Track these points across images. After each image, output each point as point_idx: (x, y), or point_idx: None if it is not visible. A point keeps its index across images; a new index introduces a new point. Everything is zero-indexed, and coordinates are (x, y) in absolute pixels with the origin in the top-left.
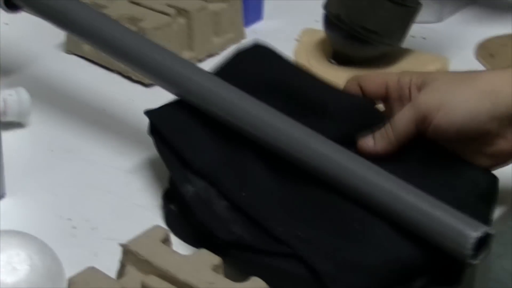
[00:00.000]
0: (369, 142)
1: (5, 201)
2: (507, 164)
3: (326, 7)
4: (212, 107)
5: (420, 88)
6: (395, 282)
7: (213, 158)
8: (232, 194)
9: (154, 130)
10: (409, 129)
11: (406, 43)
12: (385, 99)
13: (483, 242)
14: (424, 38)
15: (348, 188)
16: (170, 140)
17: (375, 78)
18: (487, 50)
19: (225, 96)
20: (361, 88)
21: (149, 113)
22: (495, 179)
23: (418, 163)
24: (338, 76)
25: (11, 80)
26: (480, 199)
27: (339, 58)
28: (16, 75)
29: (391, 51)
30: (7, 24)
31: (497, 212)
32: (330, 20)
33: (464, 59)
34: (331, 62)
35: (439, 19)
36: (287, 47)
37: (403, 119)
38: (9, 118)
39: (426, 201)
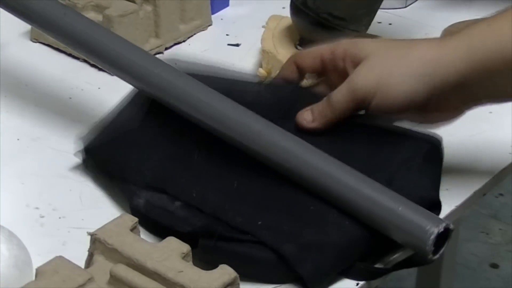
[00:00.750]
0: (307, 117)
1: None
2: (451, 123)
3: None
4: (166, 96)
5: (355, 62)
6: (356, 259)
7: (155, 168)
8: (183, 194)
9: (86, 163)
10: (347, 107)
11: (373, 29)
12: (323, 72)
13: (443, 237)
14: (390, 24)
15: (305, 180)
16: (106, 167)
17: (309, 53)
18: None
19: (181, 86)
20: (298, 66)
21: (78, 152)
22: (437, 140)
23: (360, 138)
24: None
25: None
26: (425, 160)
27: (306, 45)
28: None
29: (358, 37)
30: None
31: (464, 197)
32: (297, 7)
33: None
34: (297, 49)
35: (404, 4)
36: (254, 33)
37: (340, 98)
38: None
39: (387, 195)
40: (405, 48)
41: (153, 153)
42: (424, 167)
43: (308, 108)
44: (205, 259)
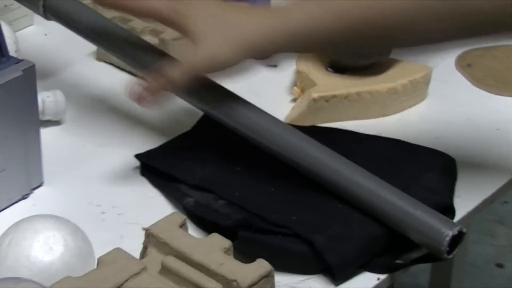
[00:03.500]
0: (136, 88)
1: (43, 189)
2: None
3: None
4: (217, 114)
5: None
6: (376, 254)
7: (204, 173)
8: (227, 194)
9: (144, 169)
10: (183, 84)
11: (395, 54)
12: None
13: (457, 239)
14: (410, 50)
15: (334, 186)
16: (161, 170)
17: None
18: (465, 61)
19: (230, 105)
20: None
21: (138, 156)
22: (451, 157)
23: (382, 151)
24: (333, 82)
25: (49, 83)
26: (440, 172)
27: (335, 67)
28: (53, 79)
29: (382, 61)
30: (46, 35)
31: (474, 204)
32: None
33: (445, 68)
34: (328, 70)
35: None
36: (289, 56)
37: (178, 77)
38: (47, 117)
39: (407, 201)
40: (231, 17)
41: (203, 161)
42: (439, 177)
43: (138, 82)
44: (243, 250)
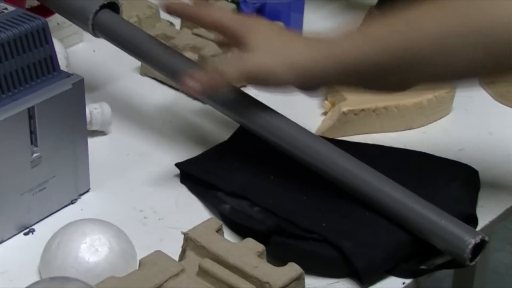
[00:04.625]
0: (191, 84)
1: (89, 194)
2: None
3: None
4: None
5: (243, 43)
6: (402, 259)
7: (240, 181)
8: (261, 201)
9: (184, 177)
10: (237, 81)
11: None
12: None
13: (479, 247)
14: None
15: (363, 195)
16: (200, 177)
17: (214, 15)
18: (489, 78)
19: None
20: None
21: (179, 165)
22: (475, 169)
23: (408, 162)
24: (362, 97)
25: (97, 96)
26: (464, 183)
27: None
28: (100, 92)
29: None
30: (94, 51)
31: (496, 214)
32: None
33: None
34: None
35: None
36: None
37: (234, 73)
38: (94, 127)
39: (433, 210)
40: (289, 44)
41: (239, 169)
42: (463, 188)
43: (192, 76)
44: (276, 254)
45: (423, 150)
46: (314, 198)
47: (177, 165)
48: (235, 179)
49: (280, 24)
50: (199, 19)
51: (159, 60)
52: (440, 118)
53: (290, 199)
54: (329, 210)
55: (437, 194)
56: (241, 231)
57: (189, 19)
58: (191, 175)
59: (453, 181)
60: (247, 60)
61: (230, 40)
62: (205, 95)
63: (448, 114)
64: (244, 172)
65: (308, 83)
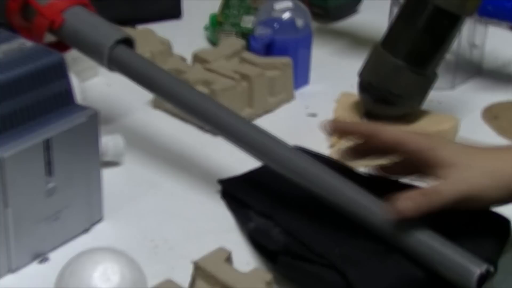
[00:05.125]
0: (406, 205)
1: (102, 223)
2: None
3: (361, 75)
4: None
5: (431, 163)
6: None
7: (270, 202)
8: (283, 223)
9: (224, 194)
10: (451, 202)
11: (425, 105)
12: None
13: (484, 277)
14: (439, 102)
15: (375, 228)
16: (236, 195)
17: (387, 133)
18: (492, 113)
19: (284, 155)
20: (368, 136)
21: (221, 182)
22: (506, 219)
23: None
24: None
25: (111, 128)
26: (491, 230)
27: (370, 116)
28: (114, 124)
29: (413, 112)
30: (109, 85)
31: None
32: (363, 86)
33: (473, 120)
34: (363, 119)
35: (452, 87)
36: (328, 106)
37: (449, 191)
38: (108, 158)
39: (438, 240)
40: (490, 159)
41: (272, 192)
42: (489, 234)
43: (405, 197)
44: (282, 273)
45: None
46: (333, 225)
47: (220, 181)
48: (266, 200)
49: (288, 60)
50: (374, 138)
51: (172, 94)
52: None
53: (310, 224)
54: (345, 237)
55: (458, 237)
56: (260, 249)
57: (361, 137)
58: (229, 192)
59: (476, 226)
60: (457, 180)
61: (409, 158)
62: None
63: None
64: (274, 196)
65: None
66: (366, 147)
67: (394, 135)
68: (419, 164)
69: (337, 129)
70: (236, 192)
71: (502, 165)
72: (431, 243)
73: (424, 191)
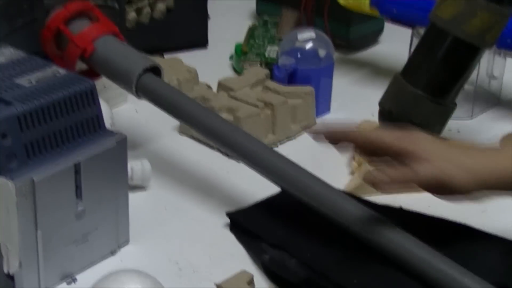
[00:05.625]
0: (382, 178)
1: (128, 246)
2: None
3: (381, 104)
4: (290, 188)
5: (415, 157)
6: None
7: (282, 234)
8: (299, 254)
9: (233, 226)
10: (429, 184)
11: (444, 134)
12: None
13: None
14: (458, 131)
15: (395, 258)
16: (247, 227)
17: (373, 136)
18: (510, 141)
19: (304, 181)
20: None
21: (229, 214)
22: None
23: (442, 237)
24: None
25: (138, 153)
26: (502, 263)
27: None
28: (141, 149)
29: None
30: (136, 111)
31: None
32: (383, 114)
33: None
34: None
35: (471, 116)
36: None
37: (428, 174)
38: (135, 182)
39: (456, 269)
40: (469, 157)
41: (283, 223)
42: (501, 260)
43: (381, 171)
44: None
45: (445, 211)
46: (349, 255)
47: (228, 214)
48: (278, 232)
49: (311, 89)
50: (356, 142)
51: (197, 120)
52: None
53: (326, 255)
54: (362, 267)
55: (471, 263)
56: (277, 280)
57: (344, 141)
58: (239, 224)
59: (490, 252)
60: (428, 168)
61: (391, 157)
62: (391, 190)
63: None
64: (287, 226)
65: (482, 191)
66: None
67: (373, 138)
68: (401, 161)
69: (323, 134)
70: (246, 224)
71: (480, 162)
72: (449, 272)
73: (401, 169)
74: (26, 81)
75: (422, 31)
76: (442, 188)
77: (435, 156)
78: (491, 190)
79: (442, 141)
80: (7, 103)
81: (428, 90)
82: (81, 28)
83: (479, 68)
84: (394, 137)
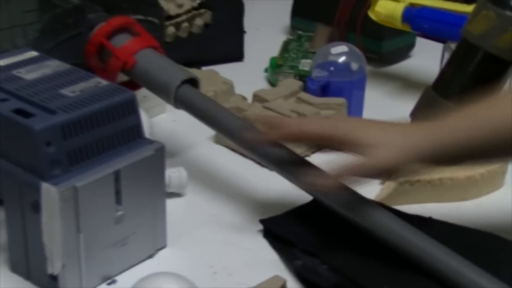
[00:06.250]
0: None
1: (166, 250)
2: None
3: (412, 115)
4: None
5: (360, 144)
6: None
7: (314, 241)
8: (330, 261)
9: (266, 233)
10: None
11: None
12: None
13: None
14: None
15: (421, 263)
16: (280, 234)
17: (310, 127)
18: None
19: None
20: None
21: (262, 221)
22: None
23: (472, 247)
24: None
25: (175, 161)
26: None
27: None
28: (178, 157)
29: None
30: (174, 121)
31: None
32: None
33: None
34: None
35: None
36: None
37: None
38: (172, 189)
39: (487, 278)
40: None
41: (315, 230)
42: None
43: (333, 167)
44: None
45: (474, 222)
46: (379, 262)
47: (262, 221)
48: (310, 239)
49: (343, 100)
50: (300, 136)
51: (232, 131)
52: (493, 191)
53: (357, 261)
54: (392, 274)
55: (501, 272)
56: (309, 286)
57: (289, 138)
58: (273, 231)
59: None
60: (380, 157)
61: (337, 146)
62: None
63: (501, 187)
64: (318, 234)
65: (415, 165)
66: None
67: (317, 130)
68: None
69: (264, 123)
70: (279, 231)
71: (414, 138)
72: (479, 281)
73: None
74: (70, 91)
75: (453, 46)
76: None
77: (382, 143)
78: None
79: (384, 124)
80: (52, 112)
81: (459, 103)
82: (122, 42)
83: (510, 82)
84: (338, 127)
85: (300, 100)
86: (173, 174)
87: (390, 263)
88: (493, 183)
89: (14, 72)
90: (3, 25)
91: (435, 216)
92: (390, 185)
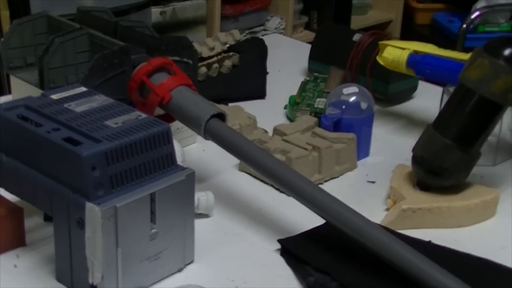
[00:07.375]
0: None
1: (193, 265)
2: None
3: (414, 150)
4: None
5: None
6: None
7: (326, 260)
8: (340, 278)
9: (283, 251)
10: None
11: (469, 178)
12: None
13: None
14: (482, 177)
15: (421, 282)
16: (295, 253)
17: None
18: None
19: (346, 215)
20: None
21: (280, 241)
22: None
23: (466, 271)
24: (420, 197)
25: (203, 186)
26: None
27: (422, 185)
28: (206, 183)
29: (459, 184)
30: (204, 150)
31: None
32: (416, 159)
33: (511, 193)
34: (415, 188)
35: (494, 164)
36: (385, 175)
37: None
38: (200, 211)
39: None
40: None
41: (328, 250)
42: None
43: None
44: None
45: (469, 247)
46: (385, 280)
47: (279, 241)
48: (322, 257)
49: (353, 135)
50: None
51: (255, 160)
52: (486, 219)
53: (364, 279)
54: None
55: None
56: None
57: None
58: (289, 250)
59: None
60: None
61: None
62: None
63: (493, 216)
64: (330, 253)
65: None
66: None
67: None
68: None
69: None
70: (295, 250)
71: None
72: None
73: None
74: (113, 123)
75: (451, 89)
76: None
77: None
78: None
79: None
80: (97, 141)
81: (456, 140)
82: (160, 80)
83: (501, 122)
84: None
85: (315, 134)
86: (202, 197)
87: (394, 282)
88: (487, 212)
89: (66, 105)
90: (58, 64)
91: (434, 240)
92: (394, 211)
